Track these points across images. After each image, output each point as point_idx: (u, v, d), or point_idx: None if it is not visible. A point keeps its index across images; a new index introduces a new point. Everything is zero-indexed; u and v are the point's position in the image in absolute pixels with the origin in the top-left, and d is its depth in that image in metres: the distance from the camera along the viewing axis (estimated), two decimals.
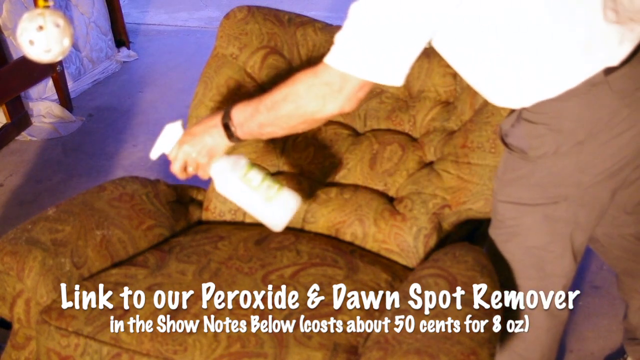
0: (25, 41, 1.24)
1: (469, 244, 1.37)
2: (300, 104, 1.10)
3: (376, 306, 1.25)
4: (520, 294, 1.30)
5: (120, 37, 3.93)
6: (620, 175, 1.16)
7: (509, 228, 1.27)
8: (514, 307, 1.31)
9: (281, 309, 1.21)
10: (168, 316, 1.20)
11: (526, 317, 1.33)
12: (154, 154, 1.29)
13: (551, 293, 1.31)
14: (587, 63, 1.06)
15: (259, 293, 1.25)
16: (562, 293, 1.31)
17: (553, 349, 1.44)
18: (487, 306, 1.14)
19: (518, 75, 1.09)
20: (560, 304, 1.33)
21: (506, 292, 1.31)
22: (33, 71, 2.97)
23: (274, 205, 1.25)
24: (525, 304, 1.31)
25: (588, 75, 1.06)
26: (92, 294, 1.26)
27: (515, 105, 1.15)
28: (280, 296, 1.24)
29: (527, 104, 1.11)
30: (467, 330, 1.07)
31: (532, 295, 1.29)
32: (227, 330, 1.16)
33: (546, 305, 1.31)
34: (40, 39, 1.23)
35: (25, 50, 1.25)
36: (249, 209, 1.28)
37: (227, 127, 1.17)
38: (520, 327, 1.34)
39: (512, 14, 1.04)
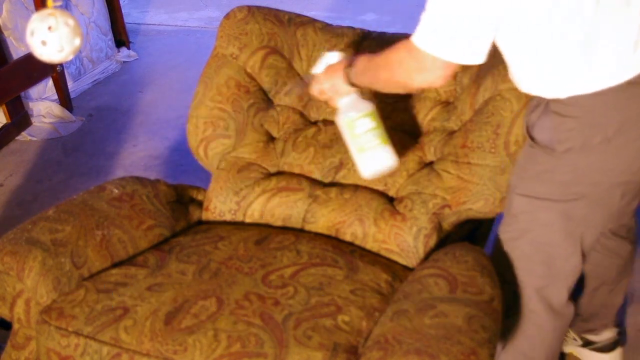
0: (37, 42, 1.24)
1: (469, 244, 1.37)
2: (394, 74, 1.19)
3: (376, 306, 1.25)
4: (527, 291, 1.30)
5: (120, 37, 3.93)
6: (634, 178, 1.17)
7: (521, 223, 1.28)
8: (519, 305, 1.32)
9: (281, 309, 1.21)
10: (168, 316, 1.20)
11: (531, 315, 1.33)
12: (314, 72, 1.44)
13: (557, 292, 1.31)
14: (637, 61, 1.07)
15: (259, 293, 1.25)
16: (567, 292, 1.32)
17: (556, 349, 1.44)
18: (487, 306, 1.14)
19: (563, 65, 1.10)
20: (566, 303, 1.33)
21: (512, 290, 1.31)
22: (33, 71, 2.97)
23: (362, 157, 1.36)
24: (531, 302, 1.31)
25: (635, 73, 1.07)
26: (92, 294, 1.26)
27: (550, 95, 1.14)
28: (280, 296, 1.24)
29: (563, 96, 1.11)
30: (467, 330, 1.07)
31: (539, 293, 1.30)
32: (227, 330, 1.16)
33: (553, 303, 1.31)
34: (53, 39, 1.23)
35: (37, 51, 1.25)
36: (349, 150, 1.39)
37: (347, 72, 1.31)
38: (525, 326, 1.34)
39: (566, 3, 1.05)
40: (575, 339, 1.73)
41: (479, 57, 1.10)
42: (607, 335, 1.69)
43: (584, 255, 1.28)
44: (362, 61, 1.29)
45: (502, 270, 1.32)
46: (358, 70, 1.29)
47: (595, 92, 1.08)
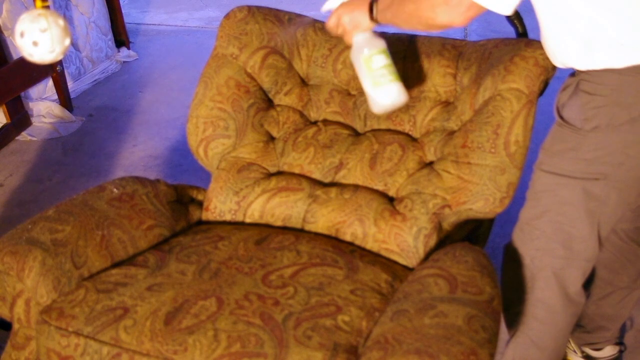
0: (28, 43, 1.23)
1: (469, 244, 1.37)
2: (419, 8, 1.19)
3: (376, 306, 1.25)
4: (544, 273, 1.33)
5: (120, 37, 3.93)
6: None
7: (543, 201, 1.31)
8: (534, 290, 1.34)
9: (281, 309, 1.21)
10: (168, 316, 1.20)
11: (546, 300, 1.36)
12: (325, 7, 1.47)
13: (574, 276, 1.34)
14: None
15: (259, 293, 1.25)
16: (582, 279, 1.35)
17: (563, 343, 1.45)
18: (487, 306, 1.14)
19: (596, 36, 1.12)
20: (580, 291, 1.36)
21: (529, 273, 1.35)
22: (33, 71, 2.98)
23: (377, 91, 1.40)
24: (548, 285, 1.34)
25: None
26: (92, 294, 1.26)
27: (581, 66, 1.17)
28: (280, 296, 1.24)
29: (594, 67, 1.14)
30: (467, 330, 1.07)
31: (556, 276, 1.33)
32: (227, 330, 1.16)
33: (568, 288, 1.34)
34: (45, 40, 1.23)
35: (27, 51, 1.25)
36: (362, 85, 1.43)
37: (371, 8, 1.34)
38: (538, 311, 1.37)
39: None
40: (575, 351, 1.72)
41: (506, 8, 1.13)
42: (608, 352, 1.68)
43: (600, 245, 1.30)
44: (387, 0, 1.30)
45: (521, 253, 1.36)
46: (383, 5, 1.31)
47: (621, 70, 1.11)
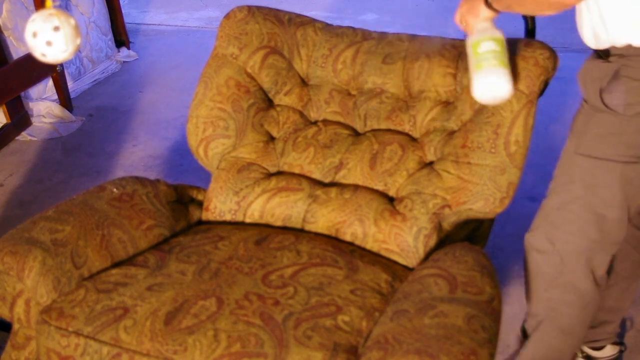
0: (41, 43, 1.23)
1: (469, 244, 1.37)
2: None
3: (376, 306, 1.25)
4: (574, 257, 1.36)
5: (120, 37, 3.93)
6: None
7: (578, 184, 1.33)
8: (562, 275, 1.37)
9: (281, 309, 1.21)
10: (168, 316, 1.20)
11: (576, 283, 1.38)
12: None
13: (602, 260, 1.37)
14: None
15: (259, 293, 1.25)
16: (608, 264, 1.38)
17: (587, 328, 1.48)
18: (487, 306, 1.14)
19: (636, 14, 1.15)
20: (604, 275, 1.40)
21: (557, 259, 1.37)
22: (33, 71, 2.98)
23: (478, 76, 1.34)
24: (577, 269, 1.37)
25: None
26: (92, 294, 1.26)
27: (623, 42, 1.20)
28: (280, 296, 1.24)
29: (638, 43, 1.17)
30: (467, 330, 1.07)
31: (587, 260, 1.36)
32: (227, 330, 1.16)
33: (596, 272, 1.37)
34: (59, 39, 1.23)
35: (40, 51, 1.24)
36: (469, 68, 1.39)
37: None
38: (566, 296, 1.40)
39: None
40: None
41: None
42: (608, 352, 1.69)
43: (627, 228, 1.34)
44: None
45: (548, 240, 1.38)
46: None
47: None
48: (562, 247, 1.38)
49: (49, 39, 1.22)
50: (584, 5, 1.23)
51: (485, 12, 1.35)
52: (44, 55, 1.25)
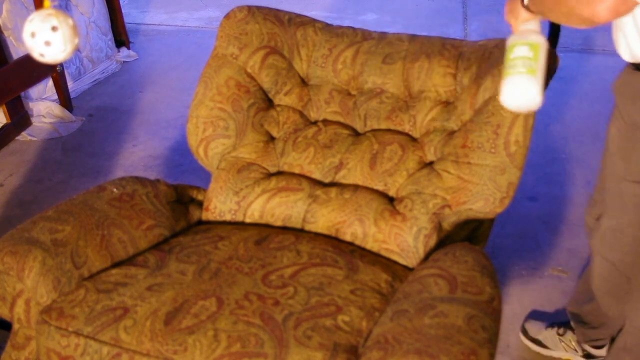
0: (39, 43, 1.23)
1: (469, 244, 1.37)
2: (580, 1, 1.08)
3: (376, 306, 1.25)
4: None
5: (120, 37, 3.93)
6: None
7: (631, 210, 1.30)
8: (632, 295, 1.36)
9: (281, 309, 1.21)
10: (168, 316, 1.20)
11: None
12: None
13: None
14: None
15: (259, 293, 1.25)
16: None
17: None
18: (487, 306, 1.14)
19: None
20: None
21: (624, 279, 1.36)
22: (33, 71, 2.97)
23: (506, 81, 1.28)
24: None
25: None
26: (92, 294, 1.26)
27: None
28: (280, 296, 1.24)
29: None
30: (467, 330, 1.07)
31: None
32: (227, 330, 1.16)
33: None
34: (57, 39, 1.22)
35: (38, 51, 1.24)
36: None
37: None
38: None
39: None
40: (576, 350, 1.73)
41: None
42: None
43: None
44: None
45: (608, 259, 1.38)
46: None
47: None
48: (629, 271, 1.37)
49: (47, 39, 1.22)
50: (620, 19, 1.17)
51: (524, 14, 1.30)
52: (42, 55, 1.25)
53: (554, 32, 1.52)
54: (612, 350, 1.52)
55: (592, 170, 2.69)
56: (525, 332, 1.82)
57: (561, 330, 1.76)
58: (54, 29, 1.22)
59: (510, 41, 1.31)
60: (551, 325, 1.79)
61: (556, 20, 1.23)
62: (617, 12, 1.04)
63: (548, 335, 1.77)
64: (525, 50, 1.27)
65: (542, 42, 1.29)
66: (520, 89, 1.27)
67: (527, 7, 1.28)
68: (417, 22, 4.56)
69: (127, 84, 3.60)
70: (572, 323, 1.74)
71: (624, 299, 1.43)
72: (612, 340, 1.71)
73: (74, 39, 1.25)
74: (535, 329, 1.80)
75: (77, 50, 3.49)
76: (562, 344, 1.74)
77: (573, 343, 1.73)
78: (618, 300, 1.44)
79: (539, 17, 1.30)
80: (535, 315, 1.92)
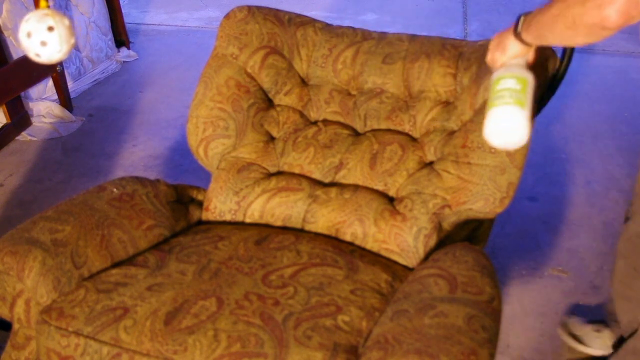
0: (35, 43, 1.23)
1: (469, 244, 1.37)
2: (568, 4, 1.03)
3: (376, 306, 1.25)
4: None
5: (120, 37, 3.93)
6: None
7: None
8: None
9: (281, 309, 1.21)
10: (168, 316, 1.20)
11: None
12: None
13: None
14: None
15: (259, 293, 1.25)
16: None
17: None
18: (487, 306, 1.14)
19: None
20: None
21: None
22: (33, 71, 2.97)
23: (489, 113, 1.20)
24: None
25: None
26: (92, 294, 1.26)
27: None
28: (280, 296, 1.24)
29: None
30: (467, 330, 1.07)
31: None
32: (227, 330, 1.16)
33: None
34: (53, 40, 1.22)
35: (34, 52, 1.24)
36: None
37: (516, 24, 1.20)
38: None
39: None
40: (612, 349, 1.73)
41: None
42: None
43: None
44: (536, 11, 1.15)
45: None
46: (530, 17, 1.17)
47: None
48: None
49: (43, 39, 1.22)
50: None
51: (515, 47, 1.23)
52: (38, 55, 1.25)
53: (560, 74, 1.42)
54: (620, 352, 1.51)
55: (592, 170, 2.69)
56: (565, 326, 1.82)
57: (599, 328, 1.76)
58: (50, 29, 1.22)
59: (496, 75, 1.24)
60: (591, 321, 1.79)
61: (557, 41, 1.14)
62: (628, 14, 0.96)
63: (586, 331, 1.77)
64: (513, 83, 1.20)
65: (530, 78, 1.22)
66: (507, 121, 1.18)
67: (520, 38, 1.20)
68: (417, 22, 4.56)
69: (127, 84, 3.60)
70: (608, 322, 1.74)
71: None
72: (617, 341, 1.71)
73: (70, 39, 1.25)
74: (576, 324, 1.80)
75: (77, 50, 3.49)
76: (599, 340, 1.74)
77: (609, 342, 1.73)
78: (635, 305, 1.43)
79: (531, 50, 1.24)
80: (576, 309, 1.92)
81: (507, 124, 1.18)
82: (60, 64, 3.18)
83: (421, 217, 1.45)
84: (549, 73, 1.39)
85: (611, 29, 0.99)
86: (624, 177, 2.64)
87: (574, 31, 1.04)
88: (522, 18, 1.19)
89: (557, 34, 1.09)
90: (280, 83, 1.68)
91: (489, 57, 1.32)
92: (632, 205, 1.40)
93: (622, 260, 1.43)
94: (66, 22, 1.24)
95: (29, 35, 1.23)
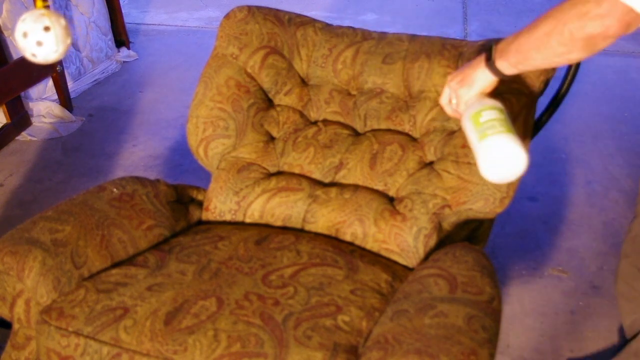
0: (31, 43, 1.23)
1: (469, 244, 1.37)
2: (561, 19, 1.01)
3: (376, 306, 1.25)
4: None
5: (120, 37, 3.93)
6: None
7: None
8: None
9: (281, 309, 1.21)
10: (168, 316, 1.20)
11: None
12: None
13: None
14: None
15: (259, 293, 1.25)
16: None
17: None
18: (487, 306, 1.14)
19: None
20: None
21: None
22: (33, 71, 2.98)
23: (483, 145, 1.14)
24: None
25: None
26: (92, 294, 1.26)
27: None
28: (280, 296, 1.24)
29: None
30: (467, 330, 1.07)
31: None
32: (227, 330, 1.16)
33: None
34: (49, 40, 1.22)
35: (30, 52, 1.24)
36: (473, 151, 1.18)
37: (489, 54, 1.15)
38: None
39: None
40: None
41: None
42: None
43: None
44: (509, 36, 1.13)
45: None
46: (504, 44, 1.13)
47: None
48: None
49: (39, 39, 1.22)
50: None
51: (484, 79, 1.18)
52: (34, 55, 1.25)
53: (561, 94, 1.39)
54: (622, 354, 1.51)
55: (592, 170, 2.69)
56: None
57: None
58: (46, 29, 1.22)
59: (471, 111, 1.19)
60: None
61: (546, 62, 1.09)
62: (627, 23, 0.96)
63: None
64: (495, 114, 1.16)
65: (501, 105, 1.19)
66: (505, 149, 1.13)
67: (493, 68, 1.15)
68: (417, 22, 4.56)
69: (127, 84, 3.60)
70: None
71: None
72: (620, 343, 1.70)
73: (67, 39, 1.25)
74: None
75: (77, 50, 3.49)
76: None
77: None
78: (638, 306, 1.42)
79: (495, 84, 1.19)
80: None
81: (506, 153, 1.14)
82: (61, 63, 3.18)
83: (421, 217, 1.45)
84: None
85: (613, 37, 0.98)
86: (624, 177, 2.64)
87: (570, 47, 1.02)
88: (493, 47, 1.16)
89: (549, 53, 1.06)
90: (280, 83, 1.68)
91: (447, 99, 1.25)
92: (637, 204, 1.40)
93: (625, 260, 1.43)
94: (62, 22, 1.24)
95: (25, 35, 1.23)
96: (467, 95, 1.21)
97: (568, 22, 1.00)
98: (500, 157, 1.13)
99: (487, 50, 1.18)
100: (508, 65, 1.14)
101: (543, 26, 1.04)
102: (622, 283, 1.47)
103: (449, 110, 1.29)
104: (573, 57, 1.06)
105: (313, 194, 1.55)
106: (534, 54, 1.08)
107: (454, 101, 1.25)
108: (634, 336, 1.53)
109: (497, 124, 1.14)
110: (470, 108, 1.20)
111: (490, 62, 1.16)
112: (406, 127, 1.61)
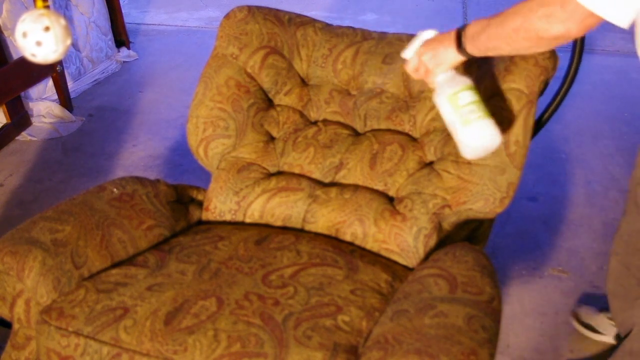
0: (31, 43, 1.23)
1: (469, 244, 1.37)
2: (529, 18, 1.10)
3: (376, 306, 1.25)
4: None
5: (120, 37, 3.93)
6: None
7: None
8: None
9: (281, 309, 1.21)
10: (168, 316, 1.20)
11: None
12: (407, 54, 1.36)
13: None
14: None
15: (259, 293, 1.25)
16: None
17: None
18: (487, 306, 1.14)
19: None
20: None
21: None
22: (33, 71, 2.98)
23: (467, 130, 1.26)
24: None
25: None
26: (92, 294, 1.26)
27: None
28: (280, 296, 1.24)
29: None
30: (467, 330, 1.07)
31: None
32: (227, 330, 1.16)
33: None
34: (49, 40, 1.22)
35: (30, 52, 1.24)
36: (449, 127, 1.31)
37: (459, 38, 1.24)
38: None
39: None
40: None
41: (624, 20, 1.04)
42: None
43: None
44: (478, 22, 1.22)
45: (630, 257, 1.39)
46: (474, 31, 1.22)
47: None
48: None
49: (38, 39, 1.22)
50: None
51: (454, 59, 1.27)
52: (33, 55, 1.25)
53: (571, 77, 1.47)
54: (617, 353, 1.52)
55: (592, 170, 2.69)
56: (576, 317, 1.82)
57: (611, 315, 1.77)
58: (46, 29, 1.22)
59: (448, 92, 1.29)
60: (602, 310, 1.80)
61: (513, 52, 1.22)
62: (586, 24, 1.05)
63: (600, 320, 1.78)
64: (471, 95, 1.28)
65: (472, 82, 1.30)
66: (488, 133, 1.27)
67: (462, 49, 1.25)
68: (417, 22, 4.56)
69: (127, 84, 3.60)
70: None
71: (633, 305, 1.42)
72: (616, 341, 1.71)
73: (66, 39, 1.25)
74: (587, 313, 1.81)
75: (77, 50, 3.49)
76: (613, 328, 1.75)
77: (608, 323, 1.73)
78: (628, 305, 1.43)
79: (462, 62, 1.28)
80: (586, 299, 1.92)
81: (489, 136, 1.27)
82: (61, 63, 3.18)
83: (421, 217, 1.45)
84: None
85: (574, 37, 1.10)
86: (624, 177, 2.64)
87: (534, 43, 1.13)
88: (462, 32, 1.24)
89: (516, 46, 1.16)
90: (280, 83, 1.68)
91: (413, 68, 1.34)
92: (625, 203, 1.40)
93: (615, 258, 1.44)
94: (62, 22, 1.24)
95: (24, 35, 1.23)
96: (439, 70, 1.30)
97: (535, 21, 1.09)
98: (482, 142, 1.28)
99: (457, 32, 1.26)
100: (478, 50, 1.24)
101: (511, 22, 1.13)
102: (612, 281, 1.48)
103: (415, 77, 1.37)
104: (536, 50, 1.20)
105: (313, 194, 1.55)
106: (503, 45, 1.18)
107: (422, 70, 1.33)
108: (627, 335, 1.53)
109: (476, 108, 1.27)
110: (445, 86, 1.30)
111: (461, 48, 1.25)
112: (406, 127, 1.61)
